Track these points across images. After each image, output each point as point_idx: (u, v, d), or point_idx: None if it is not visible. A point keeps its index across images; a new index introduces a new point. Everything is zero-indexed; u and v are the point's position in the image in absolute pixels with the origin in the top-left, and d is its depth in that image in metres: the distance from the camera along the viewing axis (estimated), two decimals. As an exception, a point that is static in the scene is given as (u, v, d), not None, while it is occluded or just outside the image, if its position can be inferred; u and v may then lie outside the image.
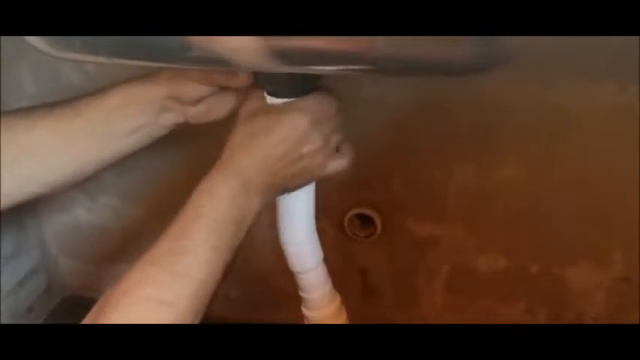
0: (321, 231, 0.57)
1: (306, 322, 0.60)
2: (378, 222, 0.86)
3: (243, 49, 0.36)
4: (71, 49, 0.39)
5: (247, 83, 0.51)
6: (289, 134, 0.47)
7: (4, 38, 0.81)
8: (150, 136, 0.57)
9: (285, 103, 0.48)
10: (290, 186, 0.51)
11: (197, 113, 0.56)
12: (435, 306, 0.95)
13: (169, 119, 0.56)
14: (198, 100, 0.55)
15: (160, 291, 0.40)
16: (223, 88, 0.55)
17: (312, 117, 0.48)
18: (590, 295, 0.86)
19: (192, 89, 0.54)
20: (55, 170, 0.54)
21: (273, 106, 0.49)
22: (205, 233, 0.43)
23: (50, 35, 0.37)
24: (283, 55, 0.36)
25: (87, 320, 0.41)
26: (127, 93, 0.54)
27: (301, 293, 0.58)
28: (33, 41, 0.40)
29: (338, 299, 0.60)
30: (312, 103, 0.49)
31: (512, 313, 0.91)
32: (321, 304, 0.58)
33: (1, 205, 0.52)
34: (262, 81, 0.50)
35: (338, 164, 0.53)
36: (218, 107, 0.56)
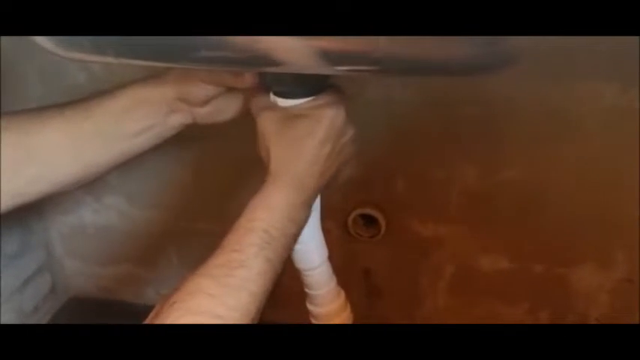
0: (325, 231, 0.58)
1: (311, 318, 0.60)
2: (382, 222, 0.86)
3: (260, 49, 0.36)
4: (79, 49, 0.39)
5: (253, 83, 0.52)
6: (331, 131, 0.48)
7: (10, 39, 0.82)
8: (158, 137, 0.57)
9: (313, 104, 0.49)
10: (327, 181, 0.51)
11: (205, 114, 0.56)
12: (438, 306, 0.95)
13: (178, 120, 0.56)
14: (206, 101, 0.55)
15: (212, 303, 0.40)
16: (230, 89, 0.55)
17: (342, 110, 0.49)
18: (593, 296, 0.87)
19: (200, 90, 0.54)
20: (64, 171, 0.54)
21: (300, 108, 0.49)
22: (259, 246, 0.43)
23: (61, 35, 0.38)
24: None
25: None
26: (136, 94, 0.54)
27: (307, 290, 0.59)
28: (41, 41, 0.41)
29: (343, 296, 0.60)
30: (335, 97, 0.49)
31: (515, 313, 0.91)
32: (326, 300, 0.59)
33: (11, 204, 0.53)
34: (269, 82, 0.50)
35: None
36: (225, 108, 0.57)
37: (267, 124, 0.49)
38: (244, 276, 0.42)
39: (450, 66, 0.34)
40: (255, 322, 0.42)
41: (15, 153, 0.51)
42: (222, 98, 0.56)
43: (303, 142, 0.47)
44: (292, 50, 0.36)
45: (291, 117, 0.48)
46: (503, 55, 0.32)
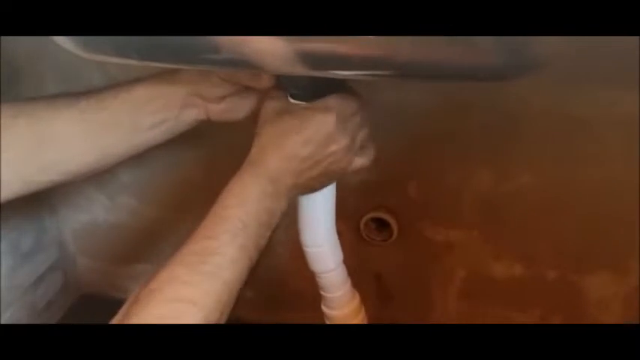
0: (337, 234, 0.58)
1: (326, 320, 0.61)
2: (394, 226, 0.86)
3: (270, 51, 0.36)
4: (101, 50, 0.40)
5: (270, 85, 0.52)
6: (317, 134, 0.48)
7: (26, 38, 0.83)
8: (171, 131, 0.57)
9: (311, 104, 0.49)
10: (315, 186, 0.52)
11: (219, 111, 0.56)
12: (449, 311, 0.94)
13: (192, 115, 0.56)
14: (221, 98, 0.56)
15: (187, 291, 0.41)
16: (246, 88, 0.55)
17: (338, 116, 0.48)
18: (606, 304, 0.86)
19: (215, 87, 0.54)
20: (77, 160, 0.55)
21: (299, 106, 0.49)
22: (233, 233, 0.44)
23: (83, 36, 0.38)
24: (310, 59, 0.36)
25: (115, 320, 0.41)
26: (152, 87, 0.55)
27: (322, 292, 0.59)
28: (62, 42, 0.41)
29: (357, 298, 0.60)
30: (337, 102, 0.49)
31: (526, 320, 0.91)
32: (341, 303, 0.59)
33: (23, 191, 0.53)
34: (286, 84, 0.50)
35: (359, 162, 0.53)
36: (240, 106, 0.57)
37: (264, 112, 0.50)
38: (218, 263, 0.42)
39: (472, 72, 0.34)
40: (228, 310, 0.43)
41: (27, 140, 0.52)
42: (238, 96, 0.56)
43: (284, 137, 0.48)
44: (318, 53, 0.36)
45: (286, 112, 0.49)
46: (526, 62, 0.32)
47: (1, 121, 0.50)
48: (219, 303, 0.41)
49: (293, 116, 0.48)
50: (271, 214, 0.47)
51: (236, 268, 0.43)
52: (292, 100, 0.50)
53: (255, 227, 0.45)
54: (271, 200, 0.47)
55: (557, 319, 0.90)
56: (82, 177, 0.56)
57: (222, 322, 0.42)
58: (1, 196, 0.51)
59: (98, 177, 0.96)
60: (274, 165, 0.48)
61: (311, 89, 0.49)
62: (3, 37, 0.81)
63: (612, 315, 0.86)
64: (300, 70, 0.38)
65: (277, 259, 0.95)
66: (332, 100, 0.49)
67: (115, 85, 0.55)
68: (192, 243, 0.44)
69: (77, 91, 0.55)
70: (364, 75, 0.38)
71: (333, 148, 0.49)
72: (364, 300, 0.62)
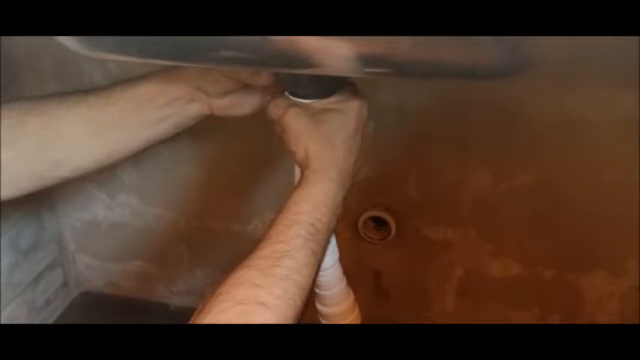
0: (335, 233, 0.58)
1: (320, 318, 0.61)
2: (393, 225, 0.86)
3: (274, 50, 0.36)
4: (102, 48, 0.40)
5: (269, 82, 0.53)
6: (360, 121, 0.50)
7: (26, 38, 0.83)
8: (177, 126, 0.58)
9: (338, 98, 0.50)
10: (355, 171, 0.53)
11: (222, 106, 0.57)
12: (447, 310, 0.95)
13: (196, 110, 0.57)
14: (224, 94, 0.56)
15: (258, 293, 0.40)
16: (248, 85, 0.56)
17: (366, 101, 0.51)
18: (603, 303, 0.86)
19: (218, 83, 0.55)
20: (86, 156, 0.55)
21: (328, 103, 0.50)
22: (304, 238, 0.44)
23: (84, 35, 0.38)
24: (310, 58, 0.36)
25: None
26: (157, 83, 0.55)
27: (316, 290, 0.59)
28: (63, 40, 0.41)
29: (352, 297, 0.60)
30: (355, 90, 0.51)
31: (524, 319, 0.91)
32: (335, 301, 0.59)
33: (33, 187, 0.54)
34: (286, 83, 0.51)
35: None
36: (242, 103, 0.58)
37: (294, 120, 0.50)
38: (290, 266, 0.42)
39: (471, 69, 0.34)
40: (301, 314, 0.42)
41: (39, 138, 0.52)
42: (240, 93, 0.57)
43: (337, 136, 0.49)
44: (319, 52, 0.36)
45: (318, 112, 0.50)
46: (525, 60, 0.33)
47: (14, 119, 0.51)
48: (291, 307, 0.41)
49: (332, 114, 0.50)
50: (337, 218, 0.48)
51: (307, 272, 0.43)
52: (293, 99, 0.51)
53: (325, 232, 0.46)
54: (339, 204, 0.48)
55: (554, 319, 0.90)
56: (92, 173, 0.57)
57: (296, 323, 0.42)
58: (12, 192, 0.52)
59: (98, 175, 0.97)
60: (340, 167, 0.49)
61: (314, 87, 0.50)
62: (3, 37, 0.81)
63: (609, 314, 0.87)
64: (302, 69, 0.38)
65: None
66: (352, 88, 0.51)
67: (121, 81, 0.56)
68: (263, 247, 0.43)
69: (85, 89, 0.55)
70: (364, 73, 0.38)
71: (369, 127, 0.52)
72: (362, 298, 0.63)
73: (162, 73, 0.55)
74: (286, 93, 0.51)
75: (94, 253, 1.09)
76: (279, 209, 0.46)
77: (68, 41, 0.40)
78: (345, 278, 0.60)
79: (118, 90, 0.55)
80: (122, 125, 0.55)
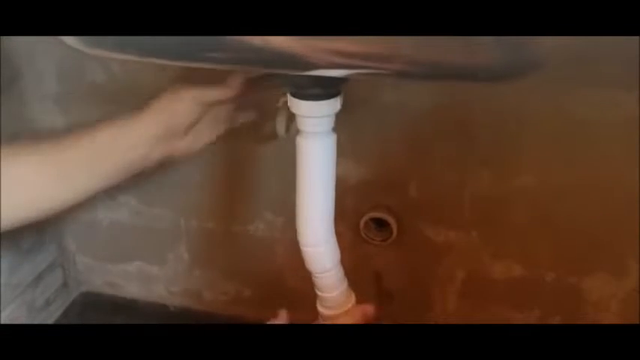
0: (336, 234, 0.58)
1: (321, 320, 0.61)
2: (394, 226, 0.86)
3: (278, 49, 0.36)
4: (103, 46, 0.40)
5: (239, 91, 0.54)
6: None
7: (26, 37, 0.83)
8: (141, 168, 0.59)
9: None
10: None
11: (185, 145, 0.59)
12: (448, 311, 0.95)
13: (157, 155, 0.58)
14: (187, 129, 0.58)
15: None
16: (208, 112, 0.58)
17: None
18: (604, 306, 0.86)
19: (183, 115, 0.56)
20: (50, 199, 0.55)
21: None
22: None
23: (85, 35, 0.38)
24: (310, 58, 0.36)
25: None
26: (115, 132, 0.56)
27: (317, 292, 0.59)
28: (64, 37, 0.41)
29: (353, 299, 0.60)
30: None
31: (525, 320, 0.91)
32: (336, 303, 0.59)
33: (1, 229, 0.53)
34: (287, 83, 0.51)
35: None
36: (204, 132, 0.60)
37: None
38: None
39: (472, 70, 0.34)
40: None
41: None
42: (201, 124, 0.59)
43: None
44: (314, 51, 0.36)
45: None
46: (527, 62, 0.32)
47: None
48: None
49: None
50: None
51: None
52: (295, 99, 0.50)
53: None
54: None
55: (556, 320, 0.90)
56: (66, 210, 0.57)
57: None
58: None
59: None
60: None
61: (315, 89, 0.49)
62: (3, 37, 0.81)
63: (611, 316, 0.86)
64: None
65: (274, 259, 0.95)
66: None
67: (80, 126, 0.56)
68: None
69: (40, 134, 0.56)
70: (365, 74, 0.38)
71: None
72: (363, 300, 0.62)
73: (120, 121, 0.56)
74: (288, 94, 0.51)
75: (94, 254, 1.09)
76: None
77: (68, 39, 0.40)
78: (346, 280, 0.60)
79: (72, 140, 0.55)
80: (82, 170, 0.55)
